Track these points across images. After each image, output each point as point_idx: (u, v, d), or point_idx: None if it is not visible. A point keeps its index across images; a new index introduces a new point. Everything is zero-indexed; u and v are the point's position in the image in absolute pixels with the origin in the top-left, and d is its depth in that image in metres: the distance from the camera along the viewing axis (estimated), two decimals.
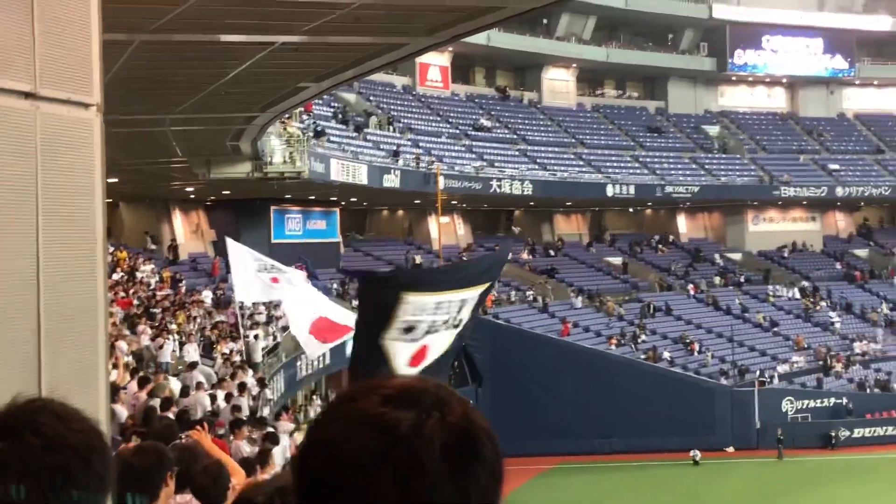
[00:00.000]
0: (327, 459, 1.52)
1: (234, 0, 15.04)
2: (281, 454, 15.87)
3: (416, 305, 10.53)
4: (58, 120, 4.20)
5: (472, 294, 10.93)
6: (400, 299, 10.40)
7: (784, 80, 76.13)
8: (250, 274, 25.51)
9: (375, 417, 1.52)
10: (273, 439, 15.79)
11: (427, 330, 10.54)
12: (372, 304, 11.05)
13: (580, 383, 46.07)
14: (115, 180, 32.91)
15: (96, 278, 4.39)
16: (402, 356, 10.48)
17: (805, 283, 64.93)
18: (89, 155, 4.30)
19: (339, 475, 1.50)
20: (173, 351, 26.00)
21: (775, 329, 59.30)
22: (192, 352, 26.34)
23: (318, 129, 47.01)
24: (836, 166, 70.76)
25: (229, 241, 26.99)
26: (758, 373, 54.02)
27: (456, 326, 10.81)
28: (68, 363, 4.25)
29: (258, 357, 30.39)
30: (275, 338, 33.67)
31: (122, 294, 30.32)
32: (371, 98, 58.31)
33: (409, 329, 10.42)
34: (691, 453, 45.12)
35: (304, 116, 46.54)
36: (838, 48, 74.90)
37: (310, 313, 23.93)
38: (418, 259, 54.75)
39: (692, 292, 61.15)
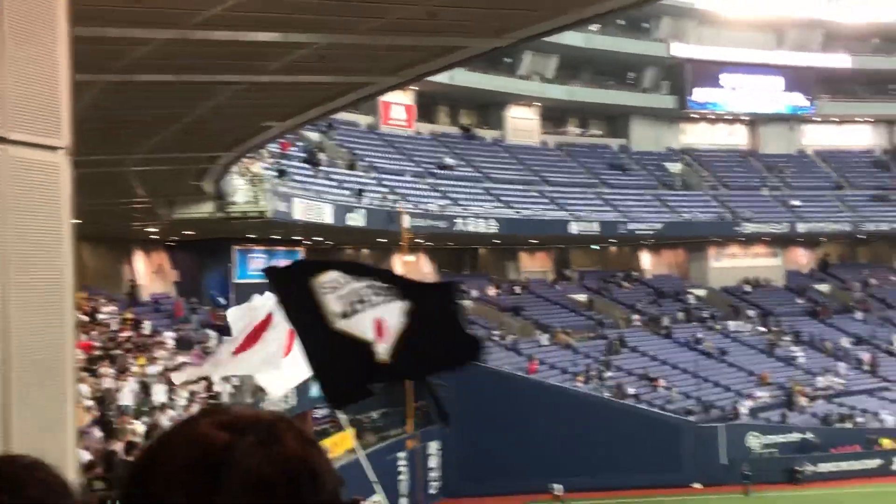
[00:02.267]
0: (143, 470, 1.52)
1: (196, 40, 14.98)
2: None
3: (332, 282, 9.31)
4: (26, 163, 4.12)
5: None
6: (313, 287, 9.16)
7: (744, 118, 76.90)
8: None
9: (197, 435, 1.51)
10: None
11: (362, 299, 9.16)
12: (292, 300, 9.39)
13: (548, 421, 46.04)
14: (77, 221, 32.59)
15: (64, 325, 4.30)
16: (367, 330, 9.09)
17: (768, 319, 65.31)
18: (57, 198, 4.22)
19: (149, 486, 1.50)
20: (136, 393, 25.72)
21: (725, 358, 59.61)
22: (161, 393, 26.08)
23: (281, 168, 46.91)
24: (797, 202, 71.45)
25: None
26: (731, 406, 54.26)
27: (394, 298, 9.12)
28: (36, 410, 4.15)
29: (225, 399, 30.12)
30: (239, 379, 33.34)
31: (83, 336, 29.98)
32: (335, 137, 58.29)
33: (346, 314, 9.10)
34: (550, 487, 44.33)
35: (268, 155, 46.42)
36: (798, 86, 75.80)
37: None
38: None
39: (637, 323, 61.25)
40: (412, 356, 8.84)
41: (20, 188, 4.16)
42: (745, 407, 54.75)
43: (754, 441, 50.54)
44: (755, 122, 77.37)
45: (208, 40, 14.96)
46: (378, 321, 8.81)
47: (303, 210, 43.12)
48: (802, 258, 73.20)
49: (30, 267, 4.19)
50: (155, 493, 1.48)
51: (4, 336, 4.07)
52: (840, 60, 76.00)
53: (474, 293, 59.79)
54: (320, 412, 43.08)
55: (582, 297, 63.31)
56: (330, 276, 9.27)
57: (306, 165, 52.24)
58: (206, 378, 27.23)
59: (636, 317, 62.28)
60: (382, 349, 8.71)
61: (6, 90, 4.12)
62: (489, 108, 69.62)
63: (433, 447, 45.79)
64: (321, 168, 52.81)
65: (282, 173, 45.97)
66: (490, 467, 45.11)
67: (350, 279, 9.22)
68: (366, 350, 8.84)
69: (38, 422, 4.18)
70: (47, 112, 4.31)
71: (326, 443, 39.29)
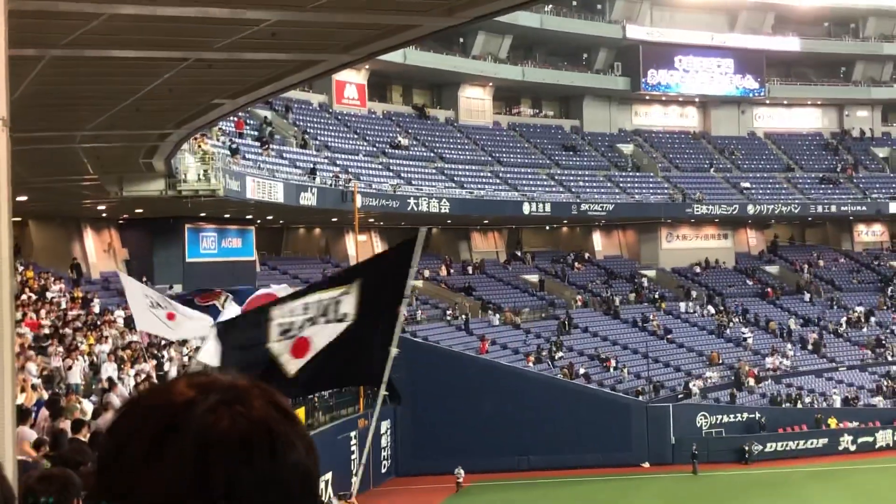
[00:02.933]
0: (112, 425, 1.50)
1: (147, 16, 14.81)
2: None
3: (284, 311, 10.69)
4: None
5: (347, 291, 10.70)
6: (267, 317, 10.71)
7: (696, 100, 77.39)
8: (143, 307, 24.02)
9: (164, 393, 1.48)
10: None
11: (301, 325, 10.59)
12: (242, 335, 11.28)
13: (498, 401, 46.20)
14: (24, 198, 32.26)
15: (1, 300, 4.23)
16: (284, 353, 10.50)
17: (718, 300, 65.93)
18: None
19: (113, 440, 1.48)
20: (84, 371, 25.50)
21: (674, 338, 60.17)
22: (111, 371, 25.86)
23: (234, 147, 46.60)
24: (747, 184, 72.06)
25: (122, 276, 25.43)
26: (682, 385, 54.83)
27: (340, 320, 10.67)
28: None
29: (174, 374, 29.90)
30: (189, 358, 33.16)
31: (31, 315, 29.67)
32: (287, 116, 57.97)
33: (285, 331, 10.56)
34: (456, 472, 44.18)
35: (220, 133, 46.12)
36: (749, 68, 76.36)
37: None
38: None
39: (579, 304, 61.52)
40: (313, 372, 10.25)
41: None
42: (697, 387, 55.31)
43: (703, 421, 51.05)
44: (706, 104, 77.87)
45: (156, 16, 14.79)
46: (303, 340, 10.16)
47: (255, 189, 42.88)
48: (752, 240, 73.91)
49: None
50: (117, 447, 1.45)
51: None
52: (790, 43, 76.65)
53: (427, 273, 59.84)
54: None
55: (533, 278, 63.55)
56: (286, 307, 10.58)
57: (258, 144, 51.94)
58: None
59: (584, 298, 62.60)
60: (293, 365, 10.06)
61: None
62: (442, 87, 69.56)
63: (384, 426, 45.85)
64: (273, 147, 52.52)
65: (234, 151, 45.68)
66: (441, 447, 45.24)
67: (302, 308, 10.53)
68: (278, 368, 10.28)
69: None
70: None
71: None
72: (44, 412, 17.94)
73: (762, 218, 71.46)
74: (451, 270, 61.59)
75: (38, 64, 16.49)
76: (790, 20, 76.91)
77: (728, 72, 76.06)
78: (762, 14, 76.51)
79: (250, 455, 1.43)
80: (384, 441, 46.04)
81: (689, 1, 74.00)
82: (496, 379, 47.51)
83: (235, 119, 49.89)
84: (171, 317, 23.89)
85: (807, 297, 68.04)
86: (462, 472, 43.88)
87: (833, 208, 71.65)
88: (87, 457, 10.38)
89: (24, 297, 31.65)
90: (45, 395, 20.26)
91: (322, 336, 10.33)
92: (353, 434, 41.97)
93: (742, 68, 76.15)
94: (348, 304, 10.43)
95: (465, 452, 44.94)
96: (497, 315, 56.99)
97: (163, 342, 33.27)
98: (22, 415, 15.49)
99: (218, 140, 44.71)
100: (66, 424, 16.11)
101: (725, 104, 77.72)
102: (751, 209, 69.61)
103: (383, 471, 45.81)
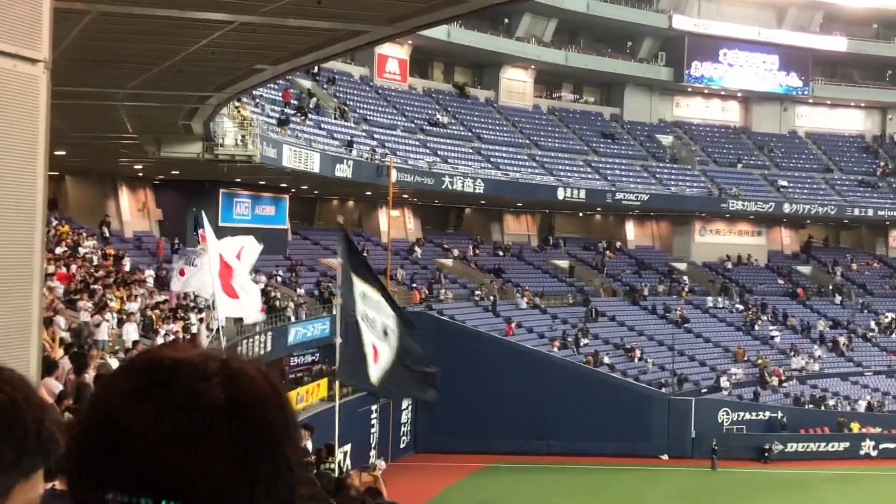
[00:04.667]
0: (97, 391, 1.43)
1: None
2: None
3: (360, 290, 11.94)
4: (3, 73, 4.03)
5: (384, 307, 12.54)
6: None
7: (739, 95, 76.78)
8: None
9: (151, 355, 1.41)
10: None
11: (372, 326, 12.15)
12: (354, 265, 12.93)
13: (521, 384, 46.25)
14: (63, 153, 32.46)
15: (34, 240, 4.22)
16: (367, 343, 12.18)
17: (747, 296, 65.57)
18: (34, 111, 4.12)
19: (97, 405, 1.40)
20: (111, 328, 25.67)
21: (702, 333, 59.92)
22: (132, 331, 26.01)
23: (283, 118, 46.65)
24: (784, 183, 71.53)
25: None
26: (707, 379, 54.62)
27: (385, 335, 12.55)
28: (0, 325, 4.08)
29: (203, 340, 30.07)
30: (217, 321, 33.29)
31: (63, 269, 29.90)
32: (327, 86, 57.98)
33: (366, 318, 12.03)
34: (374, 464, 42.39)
35: (262, 101, 46.20)
36: (794, 66, 75.65)
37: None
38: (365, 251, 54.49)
39: (617, 292, 61.23)
40: (390, 385, 13.22)
41: None
42: (725, 381, 55.06)
43: (725, 417, 50.89)
44: (749, 99, 77.27)
45: None
46: (374, 348, 12.11)
47: (292, 157, 42.95)
48: (786, 238, 73.40)
49: (1, 179, 4.10)
50: (100, 410, 1.39)
51: None
52: (837, 43, 75.82)
53: (456, 252, 59.79)
54: (295, 360, 43.18)
55: (564, 264, 63.39)
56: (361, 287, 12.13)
57: (297, 113, 51.99)
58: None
59: (605, 285, 62.41)
60: (374, 372, 12.30)
61: None
62: (484, 67, 69.34)
63: (405, 402, 45.95)
64: (312, 117, 52.57)
65: (283, 122, 45.78)
66: (461, 426, 45.32)
67: (379, 305, 12.28)
68: (366, 360, 12.35)
69: (1, 338, 4.12)
70: (27, 24, 4.20)
71: (301, 391, 39.44)
72: (68, 365, 18.06)
73: (798, 217, 70.93)
74: (479, 251, 61.45)
75: (83, 18, 16.52)
76: (839, 20, 76.07)
77: (772, 68, 75.38)
78: (811, 12, 75.73)
79: (239, 418, 1.35)
80: (404, 417, 46.18)
81: None
82: (520, 362, 47.52)
83: (282, 89, 49.99)
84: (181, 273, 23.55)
85: (837, 299, 67.55)
86: (383, 464, 40.95)
87: (870, 212, 70.97)
88: None
89: (58, 250, 31.90)
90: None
91: (384, 354, 12.21)
92: (374, 407, 42.11)
93: (787, 65, 75.45)
94: (388, 319, 12.26)
95: (486, 433, 45.01)
96: (524, 298, 56.85)
97: (192, 304, 33.47)
98: (48, 367, 15.61)
99: (257, 107, 44.77)
100: (89, 378, 16.23)
101: (768, 101, 77.08)
102: (787, 208, 69.08)
103: (402, 446, 45.97)
